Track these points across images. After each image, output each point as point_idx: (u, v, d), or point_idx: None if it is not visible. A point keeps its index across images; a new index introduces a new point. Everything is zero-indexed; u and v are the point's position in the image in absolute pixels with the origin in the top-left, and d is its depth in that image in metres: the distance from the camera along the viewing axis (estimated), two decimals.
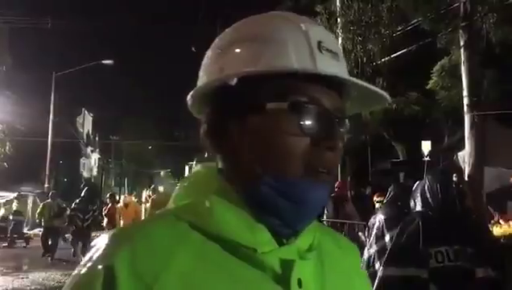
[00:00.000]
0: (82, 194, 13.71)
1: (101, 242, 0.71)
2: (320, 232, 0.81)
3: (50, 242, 13.62)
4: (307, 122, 0.71)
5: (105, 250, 0.69)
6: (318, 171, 0.71)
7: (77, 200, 13.55)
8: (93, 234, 12.93)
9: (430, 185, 2.97)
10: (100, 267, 0.66)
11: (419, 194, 3.01)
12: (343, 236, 0.94)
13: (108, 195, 15.78)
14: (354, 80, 0.72)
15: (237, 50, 0.74)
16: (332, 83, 0.72)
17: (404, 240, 2.83)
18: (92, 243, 0.73)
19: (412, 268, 2.70)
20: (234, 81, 0.71)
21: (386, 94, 0.77)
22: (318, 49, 0.72)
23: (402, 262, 2.74)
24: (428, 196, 2.94)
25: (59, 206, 14.59)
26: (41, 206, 14.64)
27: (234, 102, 0.73)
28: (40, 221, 14.58)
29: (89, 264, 0.69)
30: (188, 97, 0.79)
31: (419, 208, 2.99)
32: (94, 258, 0.69)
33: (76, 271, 0.70)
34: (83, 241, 12.74)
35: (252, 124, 0.72)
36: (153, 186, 15.52)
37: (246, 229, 0.71)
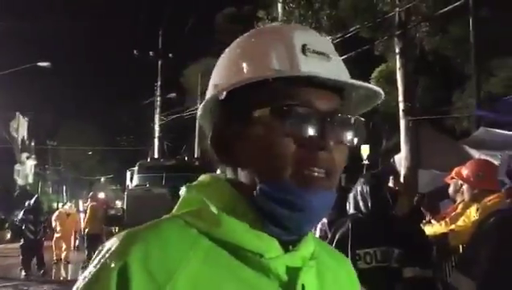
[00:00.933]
0: (31, 204, 12.52)
1: (111, 242, 0.71)
2: (314, 241, 0.83)
3: None
4: (292, 125, 0.71)
5: (117, 249, 0.69)
6: (312, 174, 0.71)
7: (24, 211, 12.39)
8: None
9: (361, 188, 3.06)
10: (113, 265, 0.67)
11: (352, 197, 3.10)
12: (335, 249, 0.94)
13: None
14: (344, 79, 0.73)
15: (227, 66, 0.79)
16: (325, 84, 0.72)
17: (335, 243, 2.90)
18: (103, 245, 0.72)
19: None
20: (223, 96, 0.74)
21: (379, 89, 0.78)
22: (302, 52, 0.73)
23: None
24: (359, 199, 3.04)
25: None
26: None
27: (229, 115, 0.76)
28: None
29: (102, 264, 0.69)
30: (198, 112, 0.83)
31: (351, 211, 3.08)
32: (107, 257, 0.69)
33: (87, 272, 0.70)
34: (37, 254, 12.02)
35: (245, 134, 0.74)
36: (91, 193, 14.90)
37: (253, 235, 0.72)
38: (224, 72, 0.78)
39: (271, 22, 12.65)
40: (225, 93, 0.74)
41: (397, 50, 9.45)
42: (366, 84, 0.76)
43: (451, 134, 13.00)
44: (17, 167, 45.11)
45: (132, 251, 0.68)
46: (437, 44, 12.69)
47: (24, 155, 48.28)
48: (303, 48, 0.73)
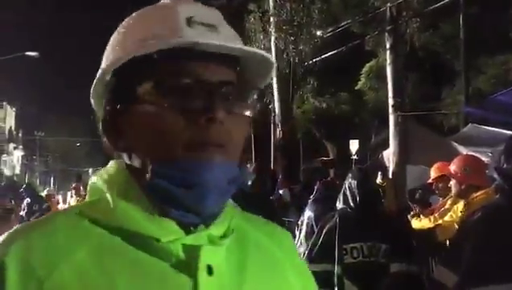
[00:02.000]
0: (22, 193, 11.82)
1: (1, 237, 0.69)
2: (244, 220, 0.80)
3: None
4: (176, 99, 0.68)
5: (1, 241, 0.68)
6: (202, 148, 0.67)
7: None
8: None
9: (349, 183, 3.07)
10: None
11: (342, 192, 3.11)
12: (274, 224, 0.88)
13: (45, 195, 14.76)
14: (224, 43, 0.69)
15: (112, 47, 0.75)
16: (213, 56, 0.69)
17: (322, 237, 2.92)
18: None
19: (325, 264, 2.80)
20: (107, 77, 0.71)
21: (267, 55, 0.73)
22: (187, 24, 0.69)
23: (317, 258, 2.82)
24: (348, 193, 3.04)
25: (3, 208, 12.69)
26: None
27: (117, 97, 0.72)
28: None
29: None
30: (91, 98, 0.78)
31: (340, 205, 3.09)
32: None
33: None
34: None
35: (132, 114, 0.71)
36: (74, 185, 14.63)
37: (149, 220, 0.69)
38: (108, 53, 0.75)
39: (262, 16, 12.62)
40: (109, 75, 0.71)
41: (387, 45, 9.46)
42: (253, 49, 0.72)
43: (439, 130, 13.08)
44: (4, 157, 44.70)
45: (11, 248, 0.66)
46: (427, 40, 12.73)
47: (11, 145, 47.83)
48: (189, 20, 0.70)
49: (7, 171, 45.20)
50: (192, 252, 0.69)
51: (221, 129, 0.68)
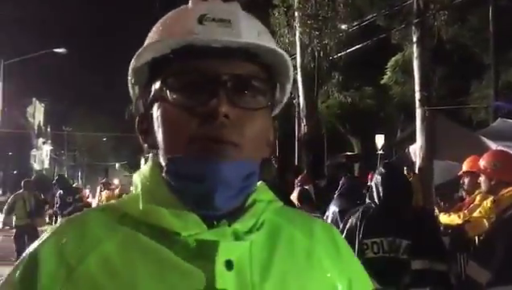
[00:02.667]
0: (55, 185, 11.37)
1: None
2: (281, 215, 0.79)
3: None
4: (184, 95, 0.70)
5: (39, 239, 0.74)
6: (211, 145, 0.68)
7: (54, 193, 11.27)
8: None
9: (375, 179, 3.07)
10: (26, 255, 0.72)
11: (371, 187, 3.12)
12: (316, 219, 0.87)
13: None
14: (240, 39, 0.69)
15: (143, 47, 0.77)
16: (227, 51, 0.69)
17: (346, 231, 2.92)
18: None
19: None
20: (133, 78, 0.76)
21: (274, 46, 0.73)
22: (198, 22, 0.70)
23: None
24: (373, 188, 3.04)
25: (37, 199, 10.84)
26: (11, 199, 10.80)
27: (143, 97, 0.77)
28: (10, 219, 11.01)
29: (24, 254, 0.73)
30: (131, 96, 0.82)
31: (367, 200, 3.10)
32: (29, 247, 0.74)
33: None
34: None
35: (153, 112, 0.74)
36: (104, 180, 14.79)
37: (173, 215, 0.70)
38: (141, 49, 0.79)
39: (287, 10, 12.57)
40: (133, 78, 0.76)
41: (414, 39, 9.31)
42: (260, 42, 0.71)
43: (468, 124, 12.84)
44: (33, 152, 45.74)
45: (48, 240, 0.72)
46: (456, 33, 12.50)
47: (40, 140, 48.92)
48: (201, 18, 0.70)
49: (37, 166, 46.28)
50: (210, 247, 0.69)
51: (229, 124, 0.68)
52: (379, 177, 3.04)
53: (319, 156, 13.44)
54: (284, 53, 0.74)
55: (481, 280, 2.04)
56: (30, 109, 45.95)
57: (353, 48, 13.31)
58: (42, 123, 50.47)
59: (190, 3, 0.76)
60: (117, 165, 59.33)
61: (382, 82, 16.97)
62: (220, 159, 0.68)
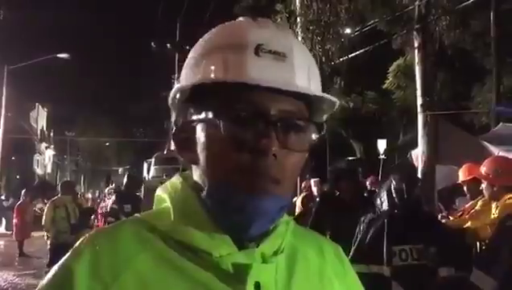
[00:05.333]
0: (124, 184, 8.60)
1: (75, 244, 0.75)
2: (295, 236, 0.82)
3: None
4: (235, 129, 0.70)
5: (72, 251, 0.73)
6: (255, 180, 0.70)
7: (114, 197, 8.32)
8: None
9: (396, 186, 3.02)
10: (59, 269, 0.71)
11: (385, 193, 3.06)
12: (325, 239, 0.92)
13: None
14: (291, 84, 0.70)
15: (186, 66, 0.78)
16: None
17: (369, 238, 2.88)
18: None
19: (375, 265, 2.74)
20: (177, 97, 0.76)
21: (329, 96, 0.76)
22: (255, 53, 0.71)
23: (365, 259, 2.75)
24: (394, 195, 2.99)
25: (80, 207, 9.07)
26: (49, 208, 8.48)
27: (186, 114, 0.78)
28: (48, 232, 8.55)
29: (55, 266, 0.73)
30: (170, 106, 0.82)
31: (385, 206, 3.04)
32: (64, 259, 0.73)
33: (51, 270, 0.74)
34: None
35: (197, 134, 0.75)
36: (113, 185, 14.49)
37: (205, 234, 0.73)
38: (184, 71, 0.79)
39: (289, 16, 12.61)
40: (178, 93, 0.76)
41: (416, 44, 9.34)
42: (317, 92, 0.73)
43: (469, 129, 12.84)
44: (36, 157, 45.78)
45: (82, 254, 0.71)
46: (457, 38, 12.51)
47: (43, 145, 48.96)
48: (257, 49, 0.71)
49: (39, 171, 46.32)
50: (242, 269, 0.72)
51: (275, 163, 0.70)
52: (403, 185, 3.01)
53: (321, 161, 13.44)
54: (331, 97, 0.76)
55: (486, 288, 2.05)
56: (33, 114, 46.05)
57: (355, 54, 13.34)
58: (45, 128, 50.55)
59: (243, 22, 0.76)
60: (119, 170, 59.32)
61: (384, 87, 16.98)
62: (263, 195, 0.70)
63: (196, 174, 0.77)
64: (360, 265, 2.70)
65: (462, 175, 4.54)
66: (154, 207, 0.82)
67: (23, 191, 15.08)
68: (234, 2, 15.62)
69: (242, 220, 0.72)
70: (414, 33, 9.36)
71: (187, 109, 0.77)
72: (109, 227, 0.79)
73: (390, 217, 2.93)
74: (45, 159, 50.05)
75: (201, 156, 0.75)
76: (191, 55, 0.78)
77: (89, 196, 16.94)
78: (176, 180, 0.81)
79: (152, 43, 26.02)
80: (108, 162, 58.44)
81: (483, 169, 3.79)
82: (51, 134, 52.15)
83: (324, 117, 0.81)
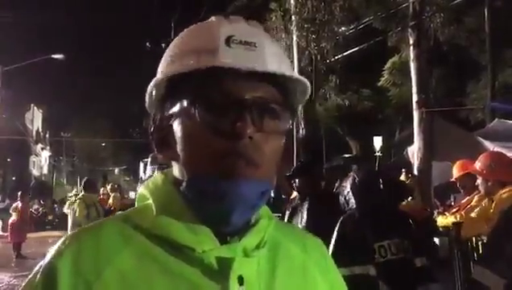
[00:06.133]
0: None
1: (57, 244, 0.75)
2: (278, 231, 0.83)
3: None
4: (208, 115, 0.71)
5: (54, 250, 0.73)
6: (232, 165, 0.70)
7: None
8: None
9: (361, 182, 3.01)
10: (44, 268, 0.72)
11: (350, 192, 3.03)
12: (307, 233, 0.92)
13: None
14: (261, 67, 0.72)
15: (162, 61, 0.79)
16: (251, 74, 0.71)
17: (347, 239, 2.83)
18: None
19: (357, 267, 2.70)
20: (153, 91, 0.77)
21: (297, 75, 0.76)
22: (226, 44, 0.72)
23: (346, 262, 2.63)
24: (362, 193, 2.98)
25: (103, 207, 9.16)
26: (80, 206, 7.96)
27: (162, 108, 0.78)
28: None
29: (38, 265, 0.73)
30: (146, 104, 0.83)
31: (352, 205, 3.01)
32: (45, 260, 0.73)
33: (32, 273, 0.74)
34: None
35: (173, 127, 0.76)
36: (111, 185, 14.47)
37: (187, 230, 0.73)
38: (160, 67, 0.80)
39: (283, 15, 12.62)
40: (154, 89, 0.77)
41: (411, 41, 9.36)
42: (288, 72, 0.75)
43: (465, 125, 12.89)
44: (32, 158, 45.67)
45: (64, 252, 0.71)
46: (452, 35, 12.55)
47: (39, 146, 48.83)
48: (228, 40, 0.73)
49: (35, 172, 46.20)
50: (225, 263, 0.72)
51: (251, 146, 0.71)
52: (364, 177, 3.02)
53: (317, 159, 13.46)
54: (303, 79, 0.77)
55: (489, 284, 2.04)
56: (28, 116, 45.91)
57: (350, 51, 13.37)
58: (40, 129, 50.42)
59: (214, 20, 0.78)
60: (116, 170, 59.24)
61: (380, 84, 17.02)
62: (241, 180, 0.70)
63: (176, 170, 0.77)
64: (341, 269, 2.62)
65: (456, 171, 4.57)
66: (136, 204, 0.82)
67: (20, 193, 15.06)
68: (229, 1, 15.62)
69: (222, 208, 0.71)
70: (409, 30, 9.38)
71: (164, 106, 0.78)
72: (92, 225, 0.78)
73: (363, 215, 2.91)
74: (41, 160, 49.91)
75: (179, 149, 0.75)
76: (165, 54, 0.80)
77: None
78: (158, 176, 0.81)
79: (147, 43, 26.02)
80: (104, 162, 58.33)
81: (478, 165, 3.81)
82: (47, 135, 52.02)
83: (299, 104, 0.82)
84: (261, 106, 0.73)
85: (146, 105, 0.81)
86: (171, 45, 0.80)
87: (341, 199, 3.08)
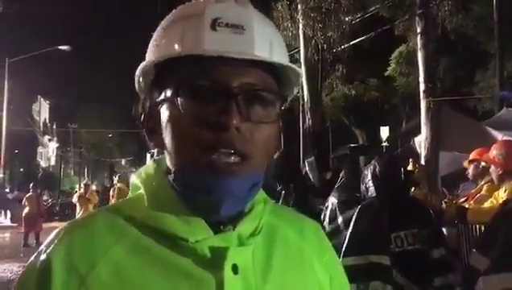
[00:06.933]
0: None
1: (50, 235, 0.74)
2: (275, 215, 0.81)
3: None
4: (194, 104, 0.68)
5: (47, 243, 0.72)
6: (219, 157, 0.67)
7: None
8: None
9: (381, 170, 2.98)
10: (37, 261, 0.71)
11: (370, 180, 3.02)
12: (305, 218, 0.89)
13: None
14: (251, 54, 0.68)
15: (149, 47, 0.76)
16: (238, 60, 0.68)
17: (365, 227, 2.81)
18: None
19: (373, 255, 2.68)
20: (140, 79, 0.75)
21: (291, 65, 0.73)
22: (211, 28, 0.68)
23: (364, 249, 2.68)
24: (382, 182, 2.95)
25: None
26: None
27: (149, 97, 0.75)
28: None
29: (32, 259, 0.72)
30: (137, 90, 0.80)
31: (371, 193, 3.00)
32: (39, 251, 0.72)
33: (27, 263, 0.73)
34: None
35: (161, 114, 0.73)
36: (118, 175, 14.62)
37: (179, 220, 0.71)
38: (147, 52, 0.76)
39: (289, 3, 12.53)
40: (140, 76, 0.74)
41: (418, 30, 9.27)
42: (277, 59, 0.71)
43: (473, 114, 12.81)
44: (39, 149, 45.97)
45: (57, 246, 0.70)
46: (459, 23, 12.41)
47: (46, 137, 49.12)
48: (214, 23, 0.69)
49: (43, 163, 46.53)
50: (219, 252, 0.71)
51: (238, 137, 0.68)
52: (387, 171, 2.97)
53: (324, 149, 13.44)
54: (295, 67, 0.74)
55: (480, 267, 2.07)
56: (35, 107, 46.16)
57: (357, 40, 13.26)
58: (47, 121, 50.67)
59: (200, 5, 0.73)
60: (123, 161, 59.50)
61: (387, 74, 16.91)
62: (227, 175, 0.68)
63: (167, 158, 0.75)
64: (356, 257, 2.64)
65: (471, 156, 4.52)
66: (130, 194, 0.80)
67: (31, 184, 15.48)
68: None
69: (211, 201, 0.69)
70: (417, 18, 9.28)
71: (152, 92, 0.75)
72: (84, 218, 0.77)
73: (382, 204, 2.88)
74: (48, 151, 50.22)
75: (165, 138, 0.72)
76: (153, 37, 0.77)
77: (93, 187, 16.92)
78: (150, 165, 0.79)
79: (152, 33, 25.97)
80: (111, 153, 58.61)
81: (491, 153, 3.78)
82: (54, 126, 52.27)
83: (295, 89, 0.79)
84: (249, 94, 0.69)
85: (137, 90, 0.78)
86: (159, 27, 0.76)
87: (362, 187, 3.08)
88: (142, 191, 0.76)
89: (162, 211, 0.72)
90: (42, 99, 48.01)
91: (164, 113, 0.72)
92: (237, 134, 0.68)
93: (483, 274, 2.05)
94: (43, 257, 0.70)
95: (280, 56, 0.73)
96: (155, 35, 0.76)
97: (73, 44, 26.98)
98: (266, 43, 0.72)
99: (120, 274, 0.69)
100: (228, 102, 0.67)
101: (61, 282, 0.67)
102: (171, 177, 0.73)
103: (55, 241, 0.72)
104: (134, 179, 0.79)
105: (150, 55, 0.75)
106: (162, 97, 0.72)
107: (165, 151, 0.75)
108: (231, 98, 0.68)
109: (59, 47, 26.19)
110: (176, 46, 0.70)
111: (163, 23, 0.76)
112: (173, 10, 0.77)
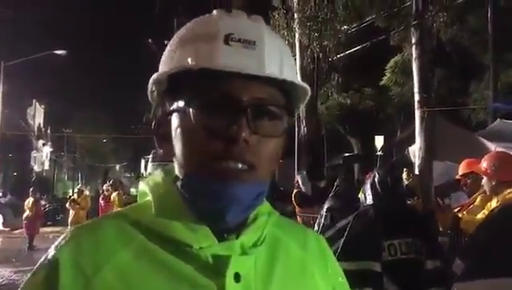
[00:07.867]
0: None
1: (60, 238, 0.76)
2: (279, 227, 0.83)
3: None
4: (206, 117, 0.70)
5: (55, 245, 0.75)
6: (227, 167, 0.70)
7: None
8: None
9: (380, 179, 3.00)
10: (46, 261, 0.73)
11: (369, 188, 3.05)
12: (308, 230, 0.92)
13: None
14: (262, 71, 0.71)
15: (163, 57, 0.79)
16: (249, 74, 0.70)
17: (358, 234, 2.83)
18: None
19: (366, 261, 2.71)
20: (153, 88, 0.77)
21: (301, 83, 0.76)
22: (225, 42, 0.71)
23: (356, 255, 2.70)
24: (379, 190, 2.97)
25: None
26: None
27: (162, 106, 0.78)
28: None
29: (41, 259, 0.75)
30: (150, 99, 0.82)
31: (369, 201, 3.03)
32: (48, 254, 0.74)
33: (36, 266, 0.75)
34: None
35: (173, 120, 0.76)
36: (112, 181, 14.45)
37: (185, 226, 0.73)
38: (160, 65, 0.79)
39: (286, 12, 12.59)
40: (153, 85, 0.76)
41: (413, 40, 9.33)
42: (287, 76, 0.73)
43: (467, 125, 12.87)
44: (33, 153, 45.73)
45: (65, 247, 0.73)
46: (454, 34, 12.52)
47: (40, 142, 48.89)
48: (227, 38, 0.71)
49: (37, 168, 46.26)
50: (222, 260, 0.73)
51: (247, 149, 0.70)
52: (387, 179, 2.99)
53: (318, 157, 13.46)
54: (303, 84, 0.76)
55: (458, 273, 2.10)
56: (30, 111, 45.96)
57: (353, 50, 13.33)
58: (42, 125, 50.44)
59: (215, 15, 0.76)
60: (117, 166, 59.26)
61: (382, 83, 16.99)
62: (235, 182, 0.70)
63: (176, 167, 0.77)
64: (348, 262, 2.64)
65: (461, 170, 4.55)
66: (138, 201, 0.83)
67: (31, 189, 15.97)
68: None
69: (217, 208, 0.72)
70: (412, 29, 9.34)
71: (165, 101, 0.77)
72: (91, 222, 0.80)
73: (378, 212, 2.90)
74: (42, 156, 49.94)
75: (176, 147, 0.75)
76: (167, 49, 0.78)
77: (87, 193, 16.83)
78: (158, 173, 0.82)
79: (150, 40, 26.00)
80: (105, 158, 58.41)
81: (483, 164, 3.80)
82: (48, 130, 52.03)
83: (300, 105, 0.81)
84: (258, 108, 0.72)
85: (149, 99, 0.80)
86: (173, 38, 0.79)
87: (361, 195, 3.10)
88: (149, 198, 0.78)
89: (168, 217, 0.74)
90: (37, 103, 47.82)
91: (175, 122, 0.75)
92: (246, 146, 0.70)
93: (457, 280, 2.07)
94: (50, 258, 0.73)
95: (290, 73, 0.75)
96: (170, 47, 0.78)
97: (69, 49, 26.95)
98: (276, 59, 0.74)
99: (125, 277, 0.71)
100: (238, 116, 0.70)
101: (67, 283, 0.69)
102: (179, 184, 0.75)
103: (63, 242, 0.74)
104: (143, 186, 0.81)
105: (164, 66, 0.76)
106: (174, 106, 0.75)
107: (174, 159, 0.77)
108: (241, 112, 0.70)
109: (55, 52, 26.16)
110: (190, 59, 0.72)
111: (178, 35, 0.78)
112: (187, 24, 0.79)
